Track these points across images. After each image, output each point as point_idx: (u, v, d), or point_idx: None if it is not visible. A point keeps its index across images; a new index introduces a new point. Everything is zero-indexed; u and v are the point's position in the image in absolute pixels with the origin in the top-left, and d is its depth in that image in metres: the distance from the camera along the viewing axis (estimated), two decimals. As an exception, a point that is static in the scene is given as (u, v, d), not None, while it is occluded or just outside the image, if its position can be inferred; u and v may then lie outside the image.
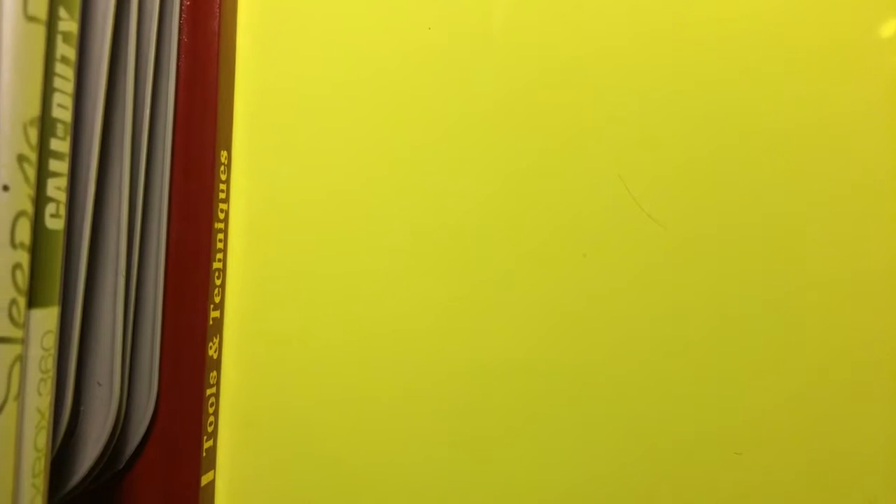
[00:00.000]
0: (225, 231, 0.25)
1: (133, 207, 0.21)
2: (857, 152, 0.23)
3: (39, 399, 0.17)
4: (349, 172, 0.25)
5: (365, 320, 0.24)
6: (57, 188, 0.17)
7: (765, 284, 0.23)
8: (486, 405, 0.24)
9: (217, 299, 0.24)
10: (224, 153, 0.24)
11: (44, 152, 0.17)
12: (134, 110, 0.21)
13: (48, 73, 0.16)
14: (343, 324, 0.24)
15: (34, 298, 0.17)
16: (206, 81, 0.24)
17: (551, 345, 0.24)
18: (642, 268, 0.23)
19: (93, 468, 0.21)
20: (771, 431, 0.23)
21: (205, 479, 0.24)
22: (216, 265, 0.24)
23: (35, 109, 0.16)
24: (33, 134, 0.16)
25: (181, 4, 0.23)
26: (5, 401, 0.15)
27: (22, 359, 0.16)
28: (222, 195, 0.24)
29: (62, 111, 0.17)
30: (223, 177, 0.24)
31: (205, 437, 0.24)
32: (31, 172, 0.16)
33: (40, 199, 0.17)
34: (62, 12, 0.16)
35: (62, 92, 0.17)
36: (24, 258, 0.16)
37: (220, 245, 0.24)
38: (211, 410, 0.24)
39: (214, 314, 0.24)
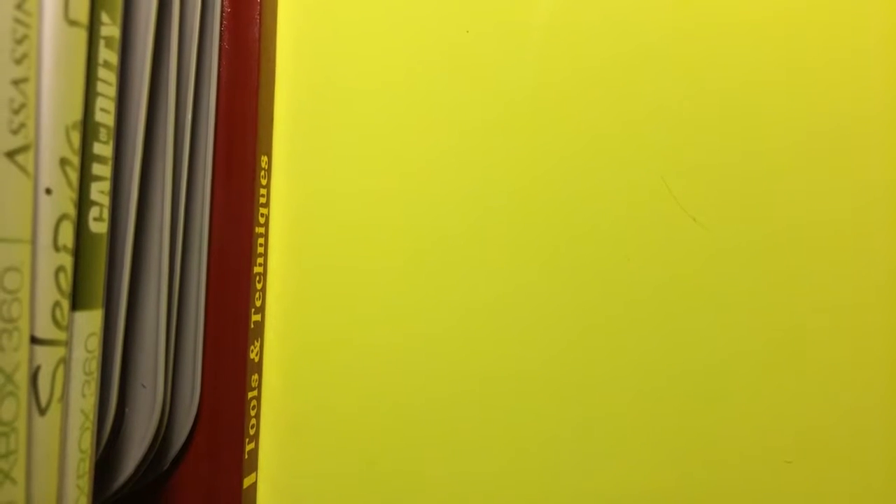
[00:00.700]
0: (265, 235, 0.25)
1: (175, 211, 0.22)
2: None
3: (84, 401, 0.17)
4: (388, 176, 0.25)
5: (405, 322, 0.24)
6: (100, 192, 0.17)
7: (815, 287, 0.22)
8: (529, 410, 0.24)
9: (258, 303, 0.24)
10: (264, 158, 0.24)
11: (87, 156, 0.17)
12: (176, 115, 0.21)
13: (91, 78, 0.17)
14: (383, 326, 0.24)
15: (78, 301, 0.17)
16: (247, 87, 0.24)
17: (595, 349, 0.23)
18: (686, 271, 0.23)
19: (137, 469, 0.21)
20: (822, 439, 0.22)
21: (247, 482, 0.24)
22: (257, 269, 0.24)
23: (77, 113, 0.16)
24: (76, 137, 0.16)
25: (222, 11, 0.23)
26: (49, 402, 0.16)
27: (66, 361, 0.16)
28: (263, 200, 0.24)
29: (105, 115, 0.17)
30: (263, 181, 0.24)
31: (247, 440, 0.24)
32: (74, 176, 0.16)
33: (84, 203, 0.17)
34: (104, 17, 0.17)
35: (105, 96, 0.17)
36: (67, 261, 0.16)
37: (260, 249, 0.24)
38: (253, 413, 0.24)
39: (255, 318, 0.24)
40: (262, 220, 0.24)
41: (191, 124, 0.22)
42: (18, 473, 0.15)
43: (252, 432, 0.24)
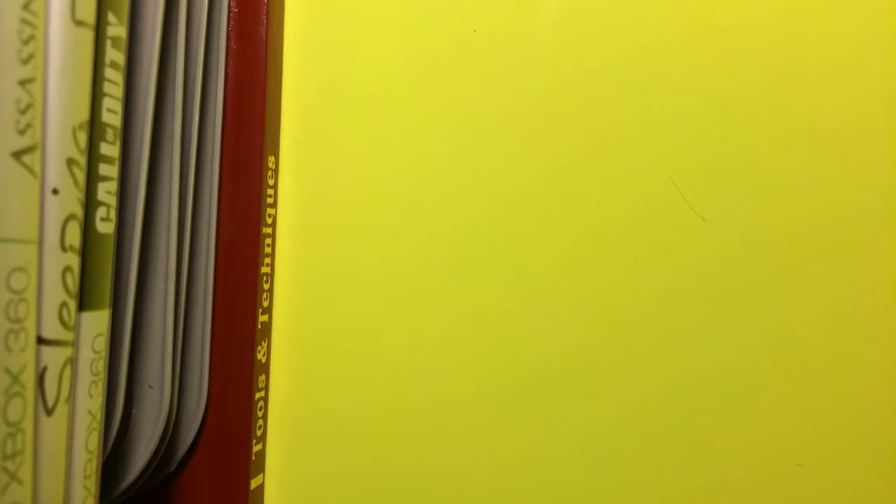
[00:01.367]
0: (273, 236, 0.25)
1: (182, 212, 0.22)
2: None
3: (91, 401, 0.17)
4: (396, 176, 0.25)
5: (413, 323, 0.24)
6: (107, 192, 0.17)
7: (826, 287, 0.22)
8: (536, 411, 0.24)
9: (265, 303, 0.24)
10: (272, 158, 0.24)
11: (94, 157, 0.17)
12: (183, 116, 0.21)
13: (97, 78, 0.17)
14: (391, 327, 0.24)
15: (85, 301, 0.17)
16: (254, 87, 0.24)
17: (604, 351, 0.23)
18: (695, 271, 0.23)
19: (144, 470, 0.21)
20: (834, 442, 0.22)
21: (254, 483, 0.24)
22: (264, 269, 0.24)
23: (84, 113, 0.16)
24: (82, 138, 0.16)
25: (229, 11, 0.23)
26: (56, 403, 0.16)
27: (73, 361, 0.16)
28: (270, 200, 0.24)
29: (112, 116, 0.17)
30: (271, 182, 0.24)
31: (254, 441, 0.24)
32: (81, 176, 0.16)
33: (91, 203, 0.17)
34: (111, 17, 0.17)
35: (111, 97, 0.17)
36: (74, 261, 0.16)
37: (267, 250, 0.24)
38: (260, 414, 0.24)
39: (263, 318, 0.24)
40: (269, 221, 0.24)
41: (198, 124, 0.22)
42: (25, 474, 0.15)
43: (259, 433, 0.24)
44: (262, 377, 0.24)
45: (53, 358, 0.15)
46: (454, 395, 0.24)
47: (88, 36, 0.16)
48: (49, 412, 0.15)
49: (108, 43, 0.17)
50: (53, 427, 0.16)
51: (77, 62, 0.15)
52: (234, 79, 0.24)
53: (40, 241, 0.15)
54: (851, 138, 0.22)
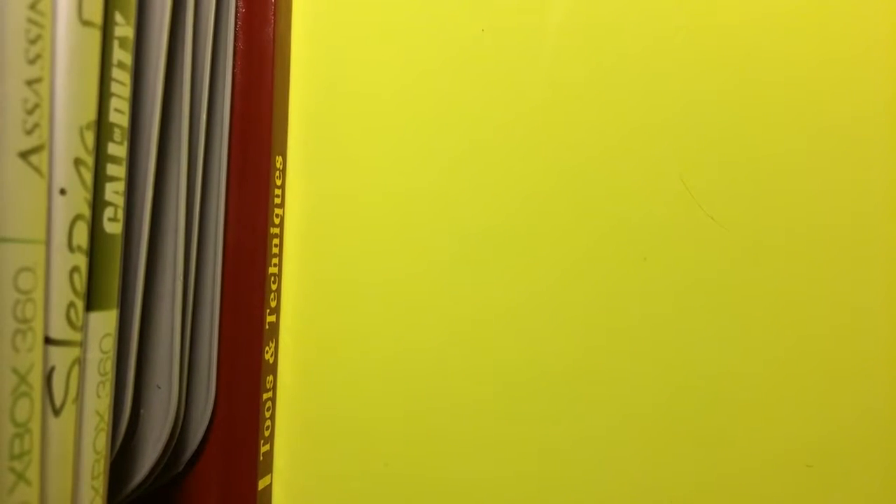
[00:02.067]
0: (280, 236, 0.25)
1: (190, 212, 0.22)
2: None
3: (98, 401, 0.17)
4: (404, 176, 0.24)
5: (420, 324, 0.24)
6: (115, 192, 0.17)
7: (837, 287, 0.22)
8: (544, 412, 0.23)
9: (273, 304, 0.24)
10: (279, 158, 0.24)
11: (101, 157, 0.17)
12: (190, 116, 0.21)
13: (105, 78, 0.17)
14: (398, 327, 0.24)
15: (92, 302, 0.17)
16: (262, 87, 0.24)
17: (612, 351, 0.23)
18: (704, 271, 0.23)
19: (152, 470, 0.21)
20: (844, 443, 0.22)
21: (262, 484, 0.24)
22: (272, 270, 0.24)
23: (91, 113, 0.16)
24: (90, 138, 0.16)
25: (236, 11, 0.23)
26: (64, 403, 0.16)
27: (80, 361, 0.16)
28: (277, 200, 0.24)
29: (119, 116, 0.17)
30: (278, 182, 0.24)
31: (262, 442, 0.24)
32: (88, 176, 0.16)
33: (98, 204, 0.17)
34: (118, 17, 0.17)
35: (119, 97, 0.17)
36: (81, 262, 0.16)
37: (275, 250, 0.24)
38: (268, 415, 0.24)
39: (270, 318, 0.24)
40: (276, 221, 0.24)
41: (205, 125, 0.22)
42: (33, 474, 0.15)
43: (267, 434, 0.24)
44: (270, 377, 0.24)
45: (61, 358, 0.15)
46: (462, 396, 0.24)
47: (95, 36, 0.16)
48: (57, 412, 0.15)
49: (116, 43, 0.17)
50: (61, 427, 0.16)
51: (84, 62, 0.15)
52: (241, 79, 0.24)
53: (48, 242, 0.15)
54: (862, 138, 0.22)
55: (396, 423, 0.24)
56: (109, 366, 0.17)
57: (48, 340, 0.15)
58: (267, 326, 0.24)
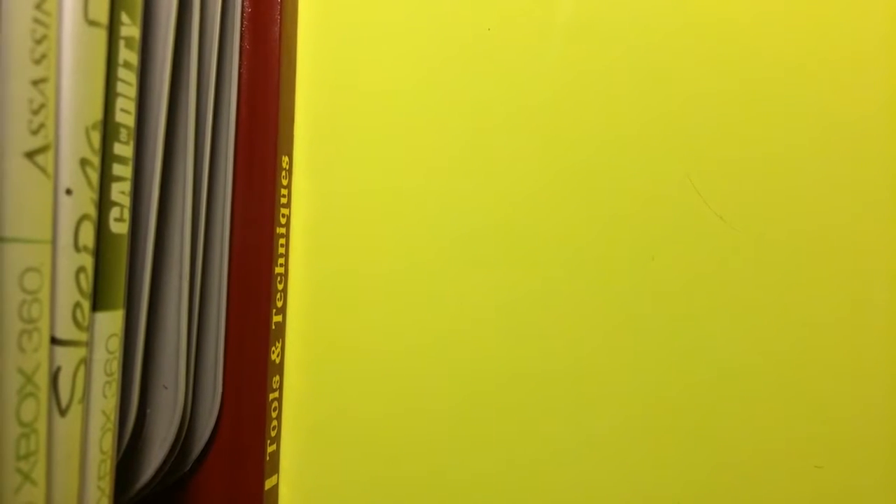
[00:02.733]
0: (287, 236, 0.25)
1: (196, 212, 0.22)
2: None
3: (105, 402, 0.17)
4: (410, 176, 0.24)
5: (427, 324, 0.24)
6: (121, 192, 0.17)
7: (847, 287, 0.22)
8: (552, 411, 0.23)
9: (279, 304, 0.24)
10: (285, 158, 0.24)
11: (107, 157, 0.17)
12: (196, 116, 0.21)
13: (111, 78, 0.17)
14: (405, 327, 0.24)
15: (99, 302, 0.17)
16: (268, 87, 0.24)
17: (620, 350, 0.23)
18: (712, 271, 0.23)
19: (159, 471, 0.21)
20: (854, 443, 0.22)
21: (268, 484, 0.24)
22: (278, 270, 0.24)
23: (97, 113, 0.16)
24: (96, 138, 0.16)
25: (242, 11, 0.23)
26: (70, 403, 0.16)
27: (87, 362, 0.16)
28: (284, 200, 0.24)
29: (125, 116, 0.17)
30: (284, 182, 0.24)
31: (268, 442, 0.24)
32: (94, 176, 0.16)
33: (104, 203, 0.17)
34: (124, 17, 0.17)
35: (125, 97, 0.17)
36: (87, 262, 0.16)
37: (281, 250, 0.24)
38: (274, 415, 0.24)
39: (277, 318, 0.24)
40: (283, 221, 0.24)
41: (211, 124, 0.22)
42: (39, 475, 0.15)
43: (273, 434, 0.24)
44: (277, 378, 0.24)
45: (67, 358, 0.15)
46: (468, 396, 0.24)
47: (101, 36, 0.16)
48: (63, 413, 0.15)
49: (122, 43, 0.17)
50: (67, 427, 0.16)
51: (90, 62, 0.15)
52: (247, 79, 0.24)
53: (54, 242, 0.15)
54: (872, 136, 0.22)
55: (403, 423, 0.24)
56: (116, 366, 0.17)
57: (54, 340, 0.15)
58: (273, 326, 0.24)
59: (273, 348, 0.24)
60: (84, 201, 0.16)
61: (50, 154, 0.15)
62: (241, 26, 0.23)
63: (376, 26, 0.25)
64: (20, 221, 0.14)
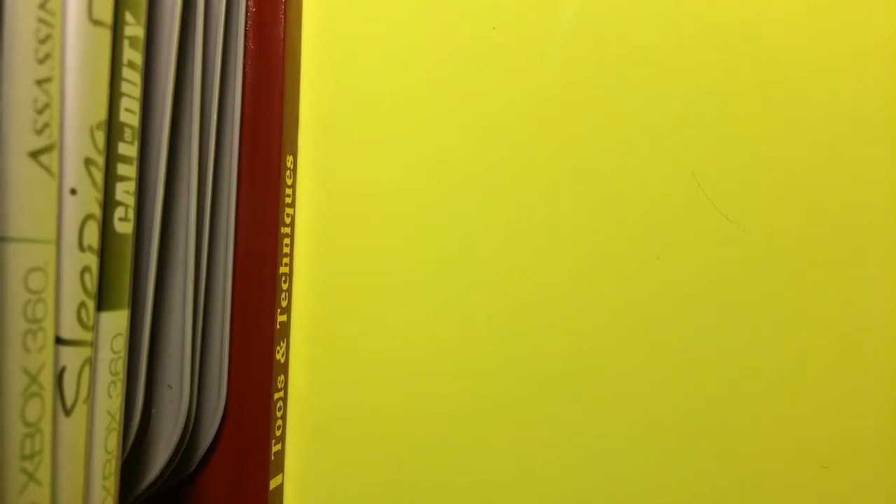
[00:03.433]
0: (291, 236, 0.25)
1: (201, 212, 0.22)
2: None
3: (110, 401, 0.17)
4: (414, 175, 0.24)
5: (431, 323, 0.24)
6: (125, 192, 0.17)
7: (851, 287, 0.22)
8: (556, 412, 0.23)
9: (284, 303, 0.24)
10: (290, 158, 0.24)
11: (112, 157, 0.17)
12: (201, 115, 0.21)
13: (115, 78, 0.17)
14: (409, 327, 0.24)
15: (103, 302, 0.17)
16: (272, 87, 0.24)
17: (624, 350, 0.23)
18: (718, 270, 0.22)
19: (164, 470, 0.21)
20: (859, 444, 0.22)
21: (273, 483, 0.24)
22: (283, 269, 0.24)
23: (102, 113, 0.16)
24: (100, 138, 0.16)
25: (247, 11, 0.23)
26: (75, 403, 0.16)
27: (91, 361, 0.16)
28: (288, 200, 0.24)
29: (130, 115, 0.17)
30: (289, 181, 0.24)
31: (273, 441, 0.24)
32: (99, 176, 0.16)
33: (109, 203, 0.17)
34: (128, 17, 0.17)
35: (129, 96, 0.17)
36: (92, 261, 0.16)
37: (286, 250, 0.24)
38: (279, 414, 0.24)
39: (281, 318, 0.24)
40: (287, 221, 0.24)
41: (216, 124, 0.22)
42: (44, 474, 0.15)
43: (278, 433, 0.24)
44: (281, 377, 0.24)
45: (72, 358, 0.15)
46: (472, 395, 0.24)
47: (105, 35, 0.16)
48: (68, 412, 0.15)
49: (126, 42, 0.17)
50: (72, 427, 0.16)
51: (94, 62, 0.15)
52: (251, 78, 0.24)
53: (58, 241, 0.15)
54: (876, 137, 0.22)
55: (407, 423, 0.24)
56: (121, 366, 0.17)
57: (59, 340, 0.15)
58: (278, 326, 0.24)
59: (278, 348, 0.24)
60: (88, 201, 0.16)
61: (54, 154, 0.15)
62: (246, 26, 0.23)
63: (380, 26, 0.25)
64: (25, 221, 0.14)
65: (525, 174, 0.24)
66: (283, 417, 0.25)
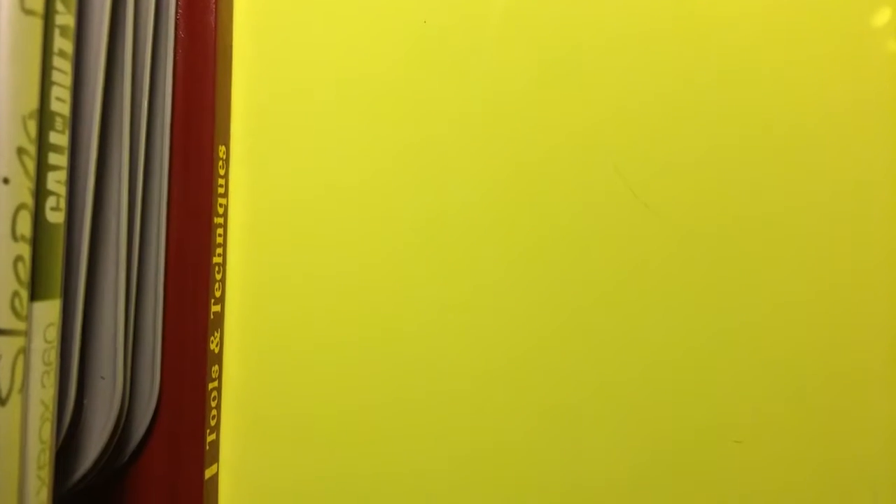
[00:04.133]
0: (224, 226, 0.25)
1: (133, 202, 0.22)
2: (858, 148, 0.23)
3: (43, 391, 0.17)
4: (347, 166, 0.25)
5: (364, 314, 0.24)
6: (57, 181, 0.17)
7: (764, 275, 0.23)
8: (484, 402, 0.24)
9: (217, 294, 0.24)
10: (222, 148, 0.24)
11: (43, 146, 0.17)
12: (132, 104, 0.21)
13: (46, 67, 0.16)
14: (343, 318, 0.25)
15: (36, 291, 0.17)
16: (204, 76, 0.24)
17: (552, 341, 0.24)
18: (639, 259, 0.24)
19: (97, 461, 0.21)
20: (771, 420, 0.23)
21: (208, 473, 0.24)
22: (216, 259, 0.24)
23: (33, 102, 0.16)
24: (32, 127, 0.16)
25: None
26: (10, 393, 0.16)
27: (25, 351, 0.16)
28: (221, 190, 0.24)
29: (60, 104, 0.17)
30: (222, 172, 0.24)
31: (208, 431, 0.24)
32: (31, 165, 0.16)
33: (41, 193, 0.17)
34: (59, 6, 0.17)
35: (60, 85, 0.17)
36: (25, 251, 0.16)
37: (219, 240, 0.24)
38: (213, 404, 0.24)
39: (215, 308, 0.24)
40: (220, 211, 0.24)
41: (147, 113, 0.22)
42: (-21, 464, 0.15)
43: (213, 423, 0.24)
44: (216, 367, 0.24)
45: (6, 347, 0.15)
46: (407, 385, 0.24)
47: (37, 24, 0.16)
48: (2, 402, 0.15)
49: (57, 31, 0.17)
50: (7, 417, 0.15)
51: (26, 51, 0.15)
52: (183, 68, 0.23)
53: (-9, 231, 0.15)
54: (798, 129, 0.23)
55: (343, 412, 0.24)
56: (54, 355, 0.17)
57: (-8, 330, 0.15)
58: (212, 316, 0.24)
59: (212, 338, 0.24)
60: (21, 190, 0.15)
61: (-14, 143, 0.15)
62: (177, 15, 0.23)
63: (313, 16, 0.25)
64: (-43, 210, 0.14)
65: (454, 165, 0.24)
66: (218, 407, 0.25)
